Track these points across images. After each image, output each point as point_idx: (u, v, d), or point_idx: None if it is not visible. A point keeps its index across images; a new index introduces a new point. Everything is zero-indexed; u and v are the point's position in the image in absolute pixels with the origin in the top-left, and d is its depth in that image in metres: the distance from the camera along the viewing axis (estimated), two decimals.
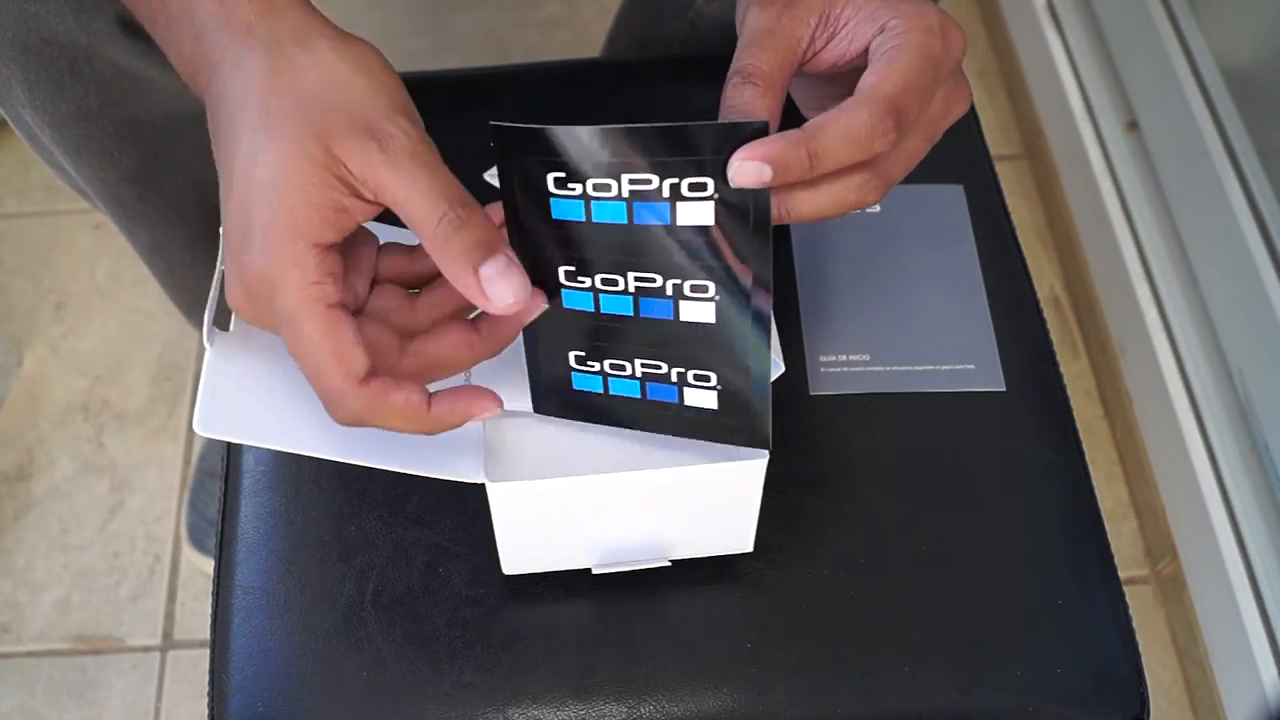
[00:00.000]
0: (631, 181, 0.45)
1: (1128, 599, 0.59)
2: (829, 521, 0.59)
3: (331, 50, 0.46)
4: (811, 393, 0.62)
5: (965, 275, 0.66)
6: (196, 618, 1.08)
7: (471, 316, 0.49)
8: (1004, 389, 0.63)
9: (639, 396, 0.50)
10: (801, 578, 0.57)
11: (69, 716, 1.04)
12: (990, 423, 0.62)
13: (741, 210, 0.45)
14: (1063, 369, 0.66)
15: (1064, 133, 1.23)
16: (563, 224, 0.46)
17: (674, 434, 0.51)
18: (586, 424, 0.53)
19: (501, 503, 0.51)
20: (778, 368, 0.51)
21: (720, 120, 0.47)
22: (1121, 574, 0.60)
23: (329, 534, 0.58)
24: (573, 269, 0.47)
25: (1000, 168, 0.73)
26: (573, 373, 0.51)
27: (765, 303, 0.46)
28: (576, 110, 0.72)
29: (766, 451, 0.50)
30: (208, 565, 1.07)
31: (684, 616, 0.57)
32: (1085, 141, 1.19)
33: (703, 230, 0.45)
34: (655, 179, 0.45)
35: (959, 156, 0.65)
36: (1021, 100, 1.34)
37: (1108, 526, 0.61)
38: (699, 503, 0.53)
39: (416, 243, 0.49)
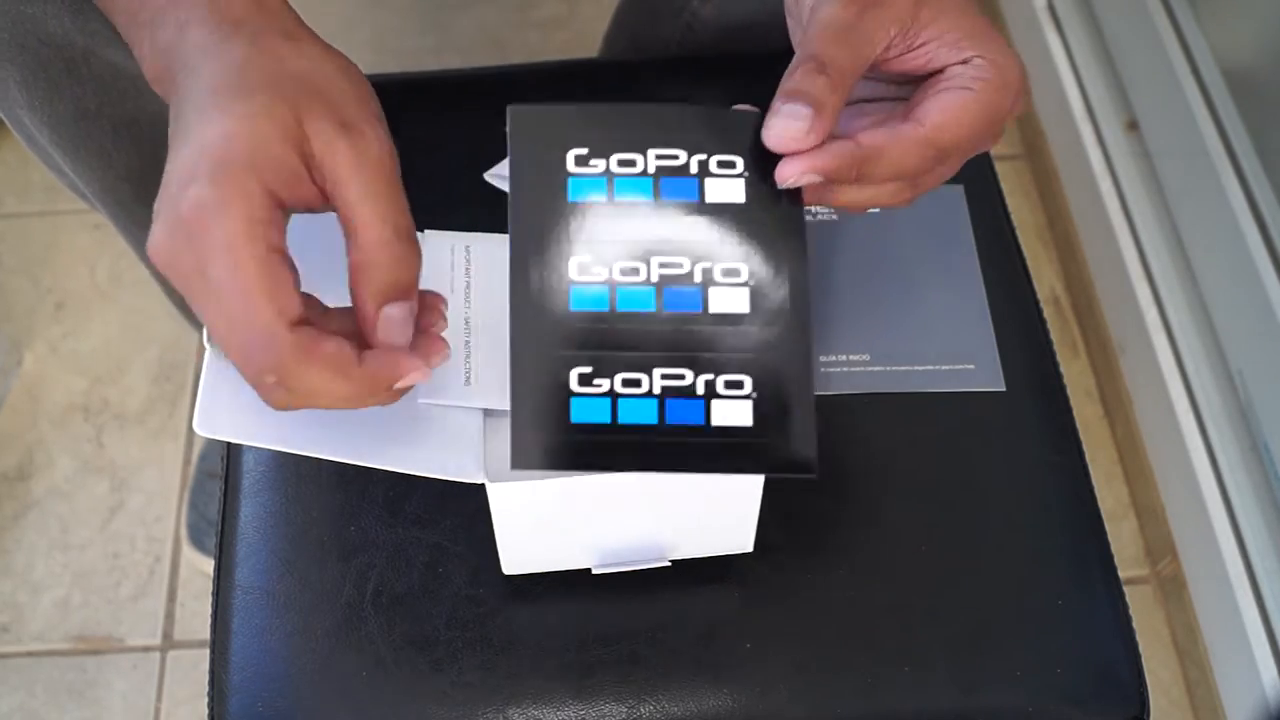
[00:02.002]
0: (658, 156, 0.43)
1: (1128, 599, 0.59)
2: (829, 521, 0.59)
3: (317, 50, 0.46)
4: None
5: (965, 275, 0.66)
6: (196, 618, 1.08)
7: None
8: (1004, 389, 0.63)
9: (655, 423, 0.44)
10: (801, 578, 0.57)
11: (69, 716, 1.04)
12: (990, 423, 0.62)
13: (773, 190, 0.43)
14: (1063, 369, 0.66)
15: (1064, 133, 1.23)
16: (581, 205, 0.43)
17: (699, 470, 0.44)
18: None
19: (501, 503, 0.51)
20: None
21: (776, 96, 0.44)
22: (1121, 574, 0.60)
23: (329, 534, 0.58)
24: (586, 259, 0.43)
25: (1000, 168, 0.73)
26: (572, 399, 0.44)
27: (803, 287, 0.43)
28: None
29: None
30: (208, 565, 1.07)
31: (684, 616, 0.56)
32: (1085, 141, 1.19)
33: (733, 209, 0.43)
34: (683, 154, 0.43)
35: None
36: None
37: (1108, 526, 0.61)
38: (699, 503, 0.53)
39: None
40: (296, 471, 0.60)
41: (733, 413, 0.44)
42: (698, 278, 0.43)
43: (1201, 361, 1.04)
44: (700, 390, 0.43)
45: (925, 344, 0.64)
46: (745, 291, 0.44)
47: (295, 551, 0.58)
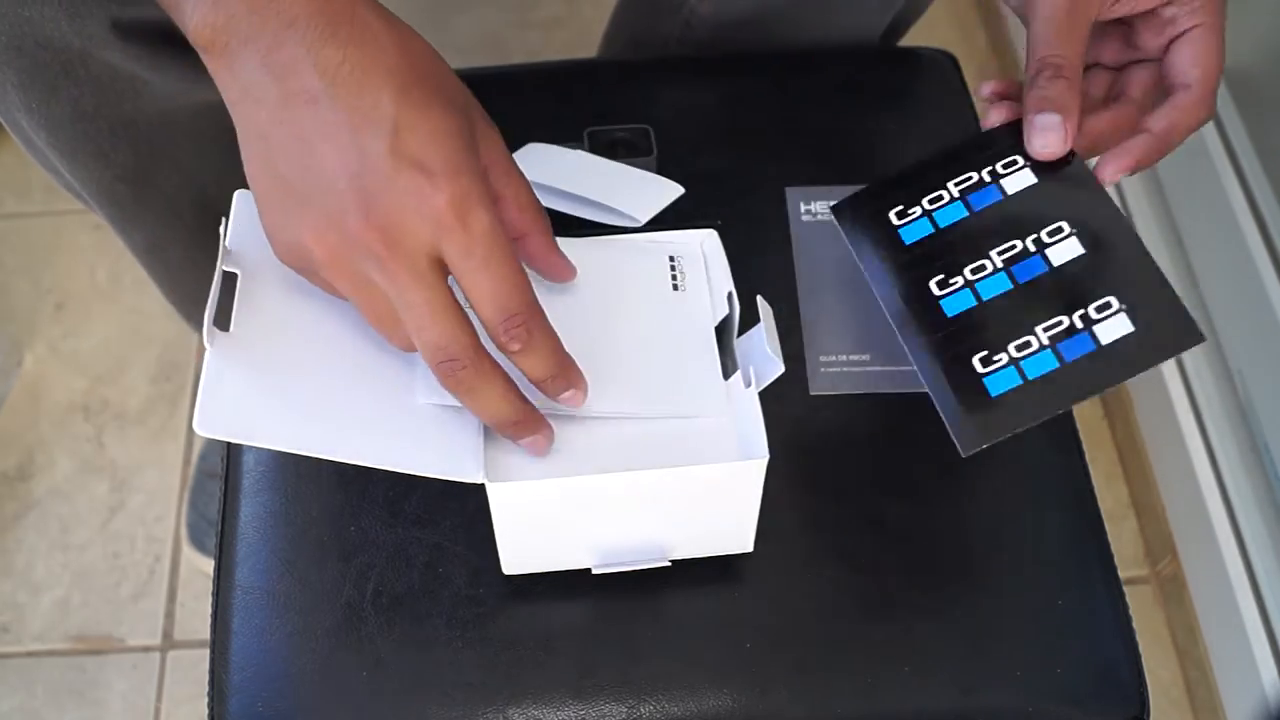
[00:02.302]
0: (957, 184, 0.54)
1: (1128, 599, 0.59)
2: (829, 521, 0.59)
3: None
4: (811, 393, 0.62)
5: None
6: (196, 618, 1.08)
7: None
8: None
9: (1058, 366, 0.49)
10: (801, 578, 0.57)
11: (69, 716, 1.04)
12: None
13: (1055, 164, 0.52)
14: None
15: None
16: (918, 244, 0.54)
17: (1110, 385, 0.49)
18: (586, 427, 0.54)
19: (501, 503, 0.51)
20: (777, 368, 0.51)
21: (1028, 106, 0.53)
22: (1121, 574, 0.60)
23: (329, 534, 0.58)
24: (942, 277, 0.52)
25: None
26: (984, 379, 0.50)
27: (1113, 208, 0.51)
28: (577, 110, 0.72)
29: (766, 453, 0.50)
30: (208, 565, 1.07)
31: (684, 616, 0.57)
32: None
33: (1031, 189, 0.52)
34: (974, 174, 0.53)
35: None
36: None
37: (1108, 526, 0.61)
38: (699, 503, 0.53)
39: None
40: (296, 471, 0.60)
41: (1116, 327, 0.49)
42: (1033, 248, 0.52)
43: (1201, 361, 1.04)
44: (1080, 325, 0.50)
45: None
46: (1073, 239, 0.51)
47: (295, 551, 0.58)
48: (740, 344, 0.56)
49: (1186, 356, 1.05)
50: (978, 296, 0.52)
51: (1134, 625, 0.58)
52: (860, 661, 0.56)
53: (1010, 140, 0.53)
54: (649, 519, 0.53)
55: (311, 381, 0.51)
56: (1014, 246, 0.52)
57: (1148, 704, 0.57)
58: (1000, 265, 0.52)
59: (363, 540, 0.58)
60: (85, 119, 0.71)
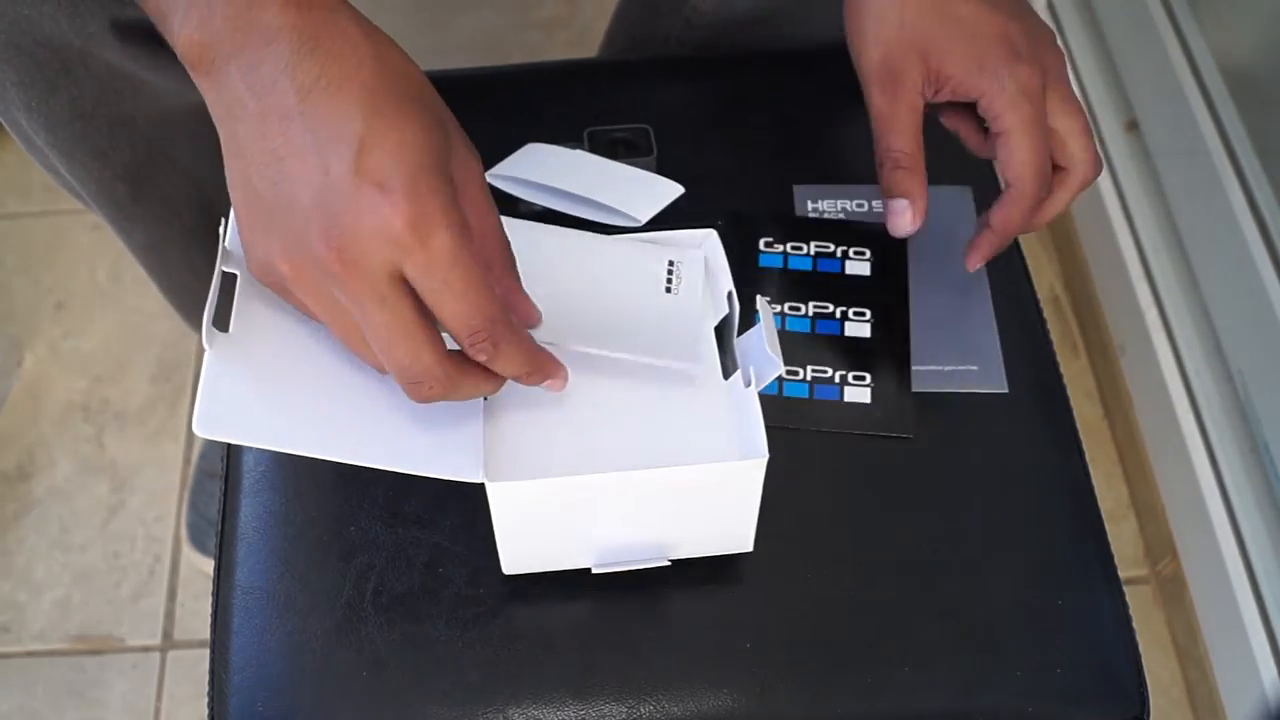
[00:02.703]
0: (818, 245, 0.66)
1: (1128, 599, 0.59)
2: (829, 521, 0.59)
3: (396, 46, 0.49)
4: None
5: (970, 276, 0.66)
6: (196, 618, 1.08)
7: None
8: (1006, 390, 0.63)
9: (807, 397, 0.62)
10: (801, 578, 0.57)
11: (69, 716, 1.04)
12: (992, 423, 0.62)
13: (890, 268, 0.65)
14: (1063, 369, 0.66)
15: None
16: (765, 270, 0.66)
17: (832, 428, 0.61)
18: (587, 426, 0.53)
19: (501, 502, 0.51)
20: (777, 367, 0.51)
21: (882, 189, 0.61)
22: (1121, 574, 0.60)
23: (329, 534, 0.58)
24: (768, 300, 0.59)
25: None
26: None
27: (905, 325, 0.64)
28: (577, 110, 0.72)
29: (765, 452, 0.50)
30: (208, 565, 1.07)
31: (684, 616, 0.56)
32: None
33: (863, 278, 0.65)
34: (832, 245, 0.66)
35: (966, 158, 0.65)
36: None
37: (1108, 526, 0.61)
38: (699, 503, 0.53)
39: None
40: (296, 471, 0.60)
41: (858, 394, 0.62)
42: (838, 316, 0.64)
43: (1201, 361, 1.04)
44: (836, 380, 0.62)
45: (928, 344, 0.64)
46: (868, 324, 0.64)
47: (295, 551, 0.58)
48: (740, 343, 0.56)
49: (1186, 356, 1.05)
50: (783, 325, 0.64)
51: (1134, 625, 0.58)
52: (860, 661, 0.56)
53: (872, 236, 0.66)
54: (649, 518, 0.53)
55: (310, 382, 0.51)
56: (826, 308, 0.64)
57: (1148, 704, 0.57)
58: (810, 314, 0.64)
59: (363, 540, 0.58)
60: (84, 118, 0.71)
